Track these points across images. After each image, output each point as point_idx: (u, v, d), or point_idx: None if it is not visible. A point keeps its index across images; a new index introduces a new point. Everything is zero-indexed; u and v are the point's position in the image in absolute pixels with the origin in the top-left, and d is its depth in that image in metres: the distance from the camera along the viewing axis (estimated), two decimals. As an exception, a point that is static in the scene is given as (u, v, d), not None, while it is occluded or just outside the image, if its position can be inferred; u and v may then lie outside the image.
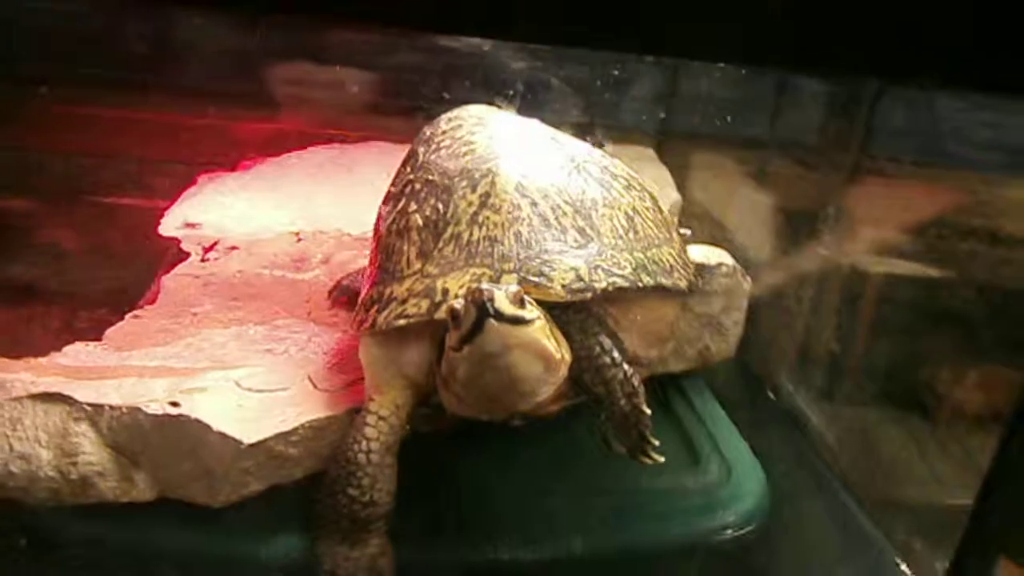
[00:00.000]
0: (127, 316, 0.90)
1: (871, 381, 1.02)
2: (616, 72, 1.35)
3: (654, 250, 0.68)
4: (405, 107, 1.62)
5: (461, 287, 0.63)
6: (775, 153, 1.23)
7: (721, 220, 1.19)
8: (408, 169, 0.75)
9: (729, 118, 1.28)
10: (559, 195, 0.67)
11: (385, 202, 0.77)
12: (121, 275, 1.04)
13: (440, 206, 0.68)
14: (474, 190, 0.67)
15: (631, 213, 0.70)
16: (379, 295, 0.68)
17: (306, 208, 1.20)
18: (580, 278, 0.63)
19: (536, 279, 0.62)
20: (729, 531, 0.76)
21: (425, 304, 0.64)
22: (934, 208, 1.01)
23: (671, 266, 0.69)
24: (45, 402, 0.66)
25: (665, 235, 0.72)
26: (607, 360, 0.63)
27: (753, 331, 0.93)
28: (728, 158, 1.28)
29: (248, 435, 0.65)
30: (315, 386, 0.75)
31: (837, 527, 0.81)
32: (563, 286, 0.62)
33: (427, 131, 0.79)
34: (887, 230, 1.08)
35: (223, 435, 0.65)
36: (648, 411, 0.63)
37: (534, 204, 0.66)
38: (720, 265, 0.88)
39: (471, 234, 0.66)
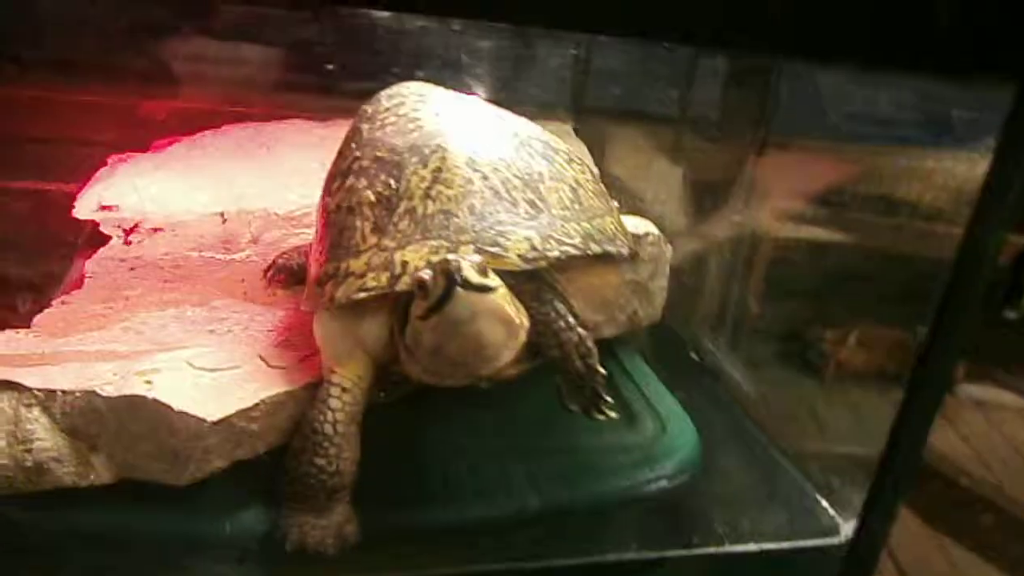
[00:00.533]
0: (54, 303, 0.88)
1: (781, 340, 1.10)
2: (532, 48, 1.38)
3: (598, 220, 0.72)
4: (315, 84, 1.60)
5: (420, 259, 0.65)
6: (686, 128, 1.30)
7: (637, 192, 1.25)
8: (353, 147, 0.76)
9: (642, 94, 1.34)
10: (508, 169, 0.70)
11: (330, 180, 0.78)
12: (38, 261, 1.01)
13: (392, 182, 0.70)
14: (425, 165, 0.69)
15: (575, 185, 0.73)
16: (334, 271, 0.69)
17: (227, 188, 1.18)
18: (534, 247, 0.66)
19: (493, 249, 0.65)
20: (666, 481, 0.82)
21: (385, 277, 0.66)
22: (834, 178, 1.10)
23: (614, 234, 0.73)
24: (-7, 389, 0.64)
25: (606, 206, 0.76)
26: (562, 324, 0.67)
27: (674, 296, 0.98)
28: (642, 133, 1.33)
29: (211, 413, 0.66)
30: (267, 363, 0.76)
31: (763, 472, 0.88)
32: (519, 255, 0.65)
33: (369, 108, 0.80)
34: (791, 199, 1.16)
35: (185, 414, 0.65)
36: (603, 371, 0.68)
37: (485, 178, 0.69)
38: (647, 234, 0.93)
39: (425, 208, 0.68)
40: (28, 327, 0.82)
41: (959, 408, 2.13)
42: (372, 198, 0.70)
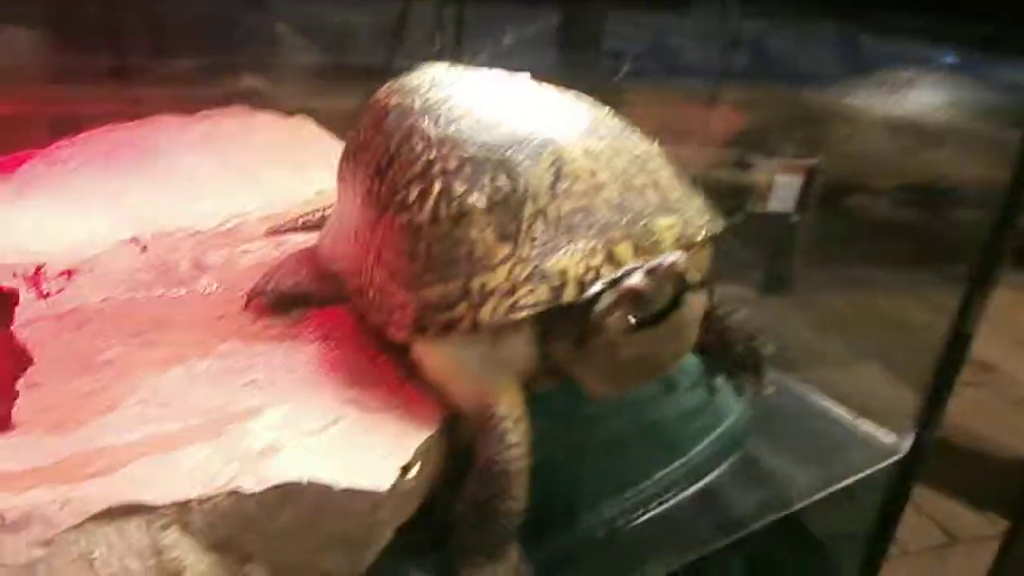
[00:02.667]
0: (18, 387, 0.69)
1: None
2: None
3: (699, 195, 0.71)
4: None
5: (578, 264, 0.60)
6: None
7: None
8: (419, 147, 0.67)
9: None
10: (620, 154, 0.66)
11: (390, 191, 0.68)
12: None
13: (503, 184, 0.63)
14: (540, 161, 0.63)
15: (666, 162, 0.71)
16: (462, 291, 0.61)
17: (123, 208, 0.98)
18: (682, 235, 0.63)
19: (648, 243, 0.62)
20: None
21: (544, 289, 0.59)
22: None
23: (713, 208, 0.72)
24: (111, 520, 0.49)
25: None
26: (721, 312, 0.65)
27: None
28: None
29: (379, 481, 0.56)
30: (363, 409, 0.66)
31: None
32: (672, 243, 0.62)
33: (414, 101, 0.71)
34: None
35: (351, 491, 0.55)
36: (770, 348, 0.67)
37: (608, 167, 0.64)
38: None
39: (559, 208, 0.62)
40: (8, 428, 0.64)
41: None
42: (483, 204, 0.62)
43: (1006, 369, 2.68)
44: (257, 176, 1.08)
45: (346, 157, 0.78)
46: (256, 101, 1.32)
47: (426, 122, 0.68)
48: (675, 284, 0.53)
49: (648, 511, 0.73)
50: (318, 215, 0.95)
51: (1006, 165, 0.95)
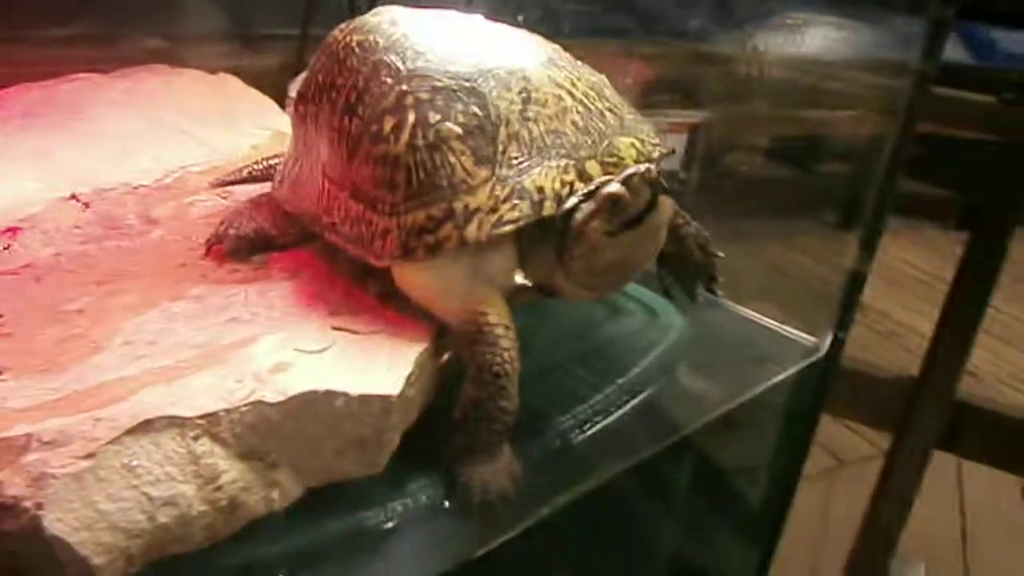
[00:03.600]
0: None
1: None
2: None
3: (647, 121, 0.77)
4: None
5: (554, 181, 0.65)
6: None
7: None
8: (388, 81, 0.70)
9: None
10: (579, 82, 0.71)
11: (365, 123, 0.70)
12: None
13: (476, 110, 0.67)
14: (509, 89, 0.68)
15: (615, 91, 0.77)
16: (445, 213, 0.65)
17: (53, 167, 0.96)
18: (641, 153, 0.70)
19: (612, 160, 0.68)
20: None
21: (525, 205, 0.64)
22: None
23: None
24: (146, 433, 0.51)
25: (631, 107, 0.81)
26: (680, 221, 0.72)
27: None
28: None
29: (389, 387, 0.60)
30: (355, 332, 0.69)
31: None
32: (633, 161, 0.69)
33: (378, 39, 0.73)
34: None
35: (366, 396, 0.59)
36: (721, 254, 0.75)
37: (570, 93, 0.70)
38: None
39: (530, 131, 0.67)
40: (-5, 372, 0.64)
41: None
42: (458, 131, 0.67)
43: (876, 307, 2.92)
44: (189, 132, 1.07)
45: (304, 100, 0.79)
46: (166, 62, 1.29)
47: (393, 57, 0.71)
48: (651, 189, 0.59)
49: (598, 423, 0.79)
50: (264, 165, 0.96)
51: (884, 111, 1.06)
